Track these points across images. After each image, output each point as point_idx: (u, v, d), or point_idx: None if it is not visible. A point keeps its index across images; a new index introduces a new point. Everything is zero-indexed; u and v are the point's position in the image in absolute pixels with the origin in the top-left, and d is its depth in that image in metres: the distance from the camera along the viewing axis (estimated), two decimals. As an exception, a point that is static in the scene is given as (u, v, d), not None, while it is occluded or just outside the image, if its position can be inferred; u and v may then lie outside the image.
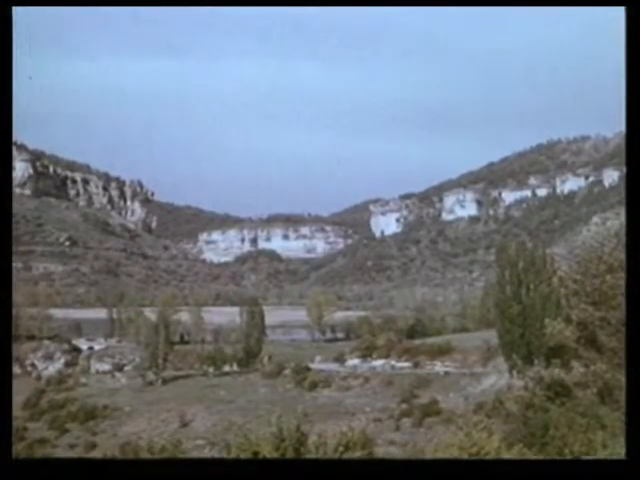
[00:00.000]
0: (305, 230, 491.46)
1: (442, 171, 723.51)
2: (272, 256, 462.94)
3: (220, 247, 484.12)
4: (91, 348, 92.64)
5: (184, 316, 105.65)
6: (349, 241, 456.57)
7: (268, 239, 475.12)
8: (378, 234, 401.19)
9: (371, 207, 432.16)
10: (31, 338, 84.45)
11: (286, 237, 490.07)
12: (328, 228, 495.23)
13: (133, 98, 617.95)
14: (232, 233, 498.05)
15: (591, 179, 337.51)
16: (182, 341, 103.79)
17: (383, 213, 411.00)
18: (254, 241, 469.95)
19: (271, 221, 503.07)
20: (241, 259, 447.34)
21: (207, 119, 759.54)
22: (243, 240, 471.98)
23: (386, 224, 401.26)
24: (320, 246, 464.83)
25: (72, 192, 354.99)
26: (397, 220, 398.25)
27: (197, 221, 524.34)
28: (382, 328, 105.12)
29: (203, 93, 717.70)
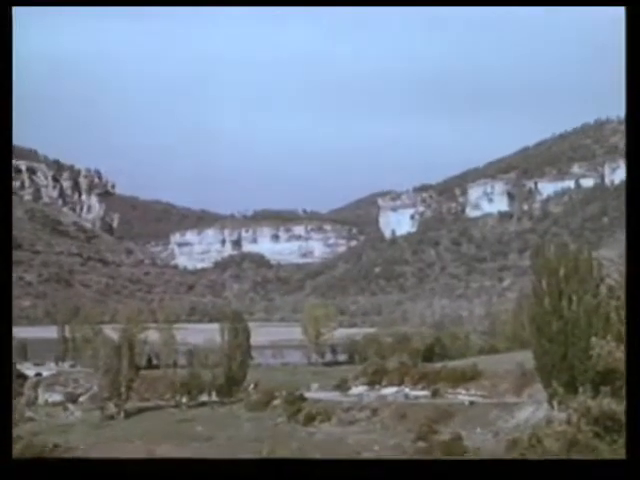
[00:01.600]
0: (299, 229, 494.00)
1: (466, 158, 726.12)
2: (259, 261, 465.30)
3: (196, 250, 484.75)
4: (39, 374, 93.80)
5: (152, 335, 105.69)
6: (353, 243, 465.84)
7: (254, 240, 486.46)
8: (388, 234, 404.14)
9: (380, 202, 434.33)
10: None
11: (276, 238, 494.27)
12: (327, 227, 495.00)
13: (86, 68, 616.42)
14: (210, 233, 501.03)
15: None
16: (150, 365, 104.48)
17: (394, 209, 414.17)
18: (237, 243, 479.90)
19: (258, 218, 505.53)
20: (221, 265, 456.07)
21: (181, 97, 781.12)
22: (224, 242, 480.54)
23: (398, 222, 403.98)
24: (317, 249, 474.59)
25: (16, 184, 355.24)
26: (411, 217, 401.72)
27: (168, 219, 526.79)
28: (393, 348, 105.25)
29: (178, 69, 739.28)
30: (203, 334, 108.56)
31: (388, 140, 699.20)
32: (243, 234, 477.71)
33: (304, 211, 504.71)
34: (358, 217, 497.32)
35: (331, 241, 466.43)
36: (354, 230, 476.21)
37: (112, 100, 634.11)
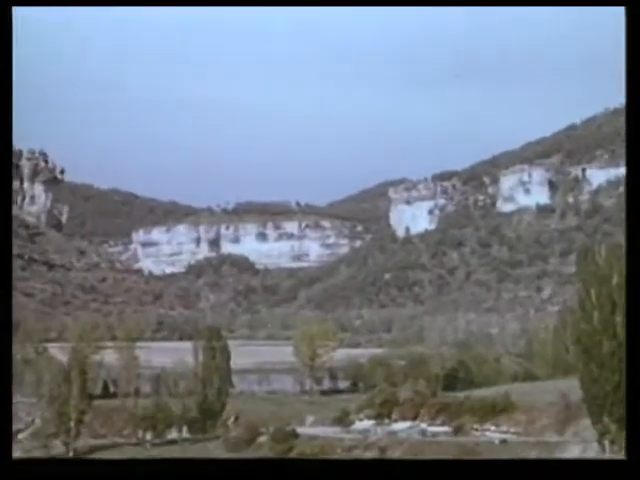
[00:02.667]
0: (291, 226, 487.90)
1: (497, 138, 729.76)
2: (242, 265, 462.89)
3: (164, 251, 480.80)
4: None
5: (109, 356, 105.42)
6: (357, 243, 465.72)
7: (236, 239, 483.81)
8: (401, 232, 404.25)
9: (391, 193, 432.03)
10: None
11: (263, 237, 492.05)
12: (326, 224, 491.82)
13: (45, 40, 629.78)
14: (182, 230, 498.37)
15: None
16: (106, 393, 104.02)
17: (409, 201, 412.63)
18: (215, 242, 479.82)
19: (240, 213, 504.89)
20: (195, 269, 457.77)
21: (144, 66, 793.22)
22: (198, 241, 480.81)
23: (413, 218, 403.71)
24: (314, 250, 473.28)
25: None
26: (430, 212, 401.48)
27: (129, 213, 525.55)
28: (407, 374, 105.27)
29: (147, 41, 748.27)
30: (172, 355, 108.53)
31: (400, 118, 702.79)
32: (222, 232, 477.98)
33: (297, 204, 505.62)
34: (364, 211, 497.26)
35: (330, 241, 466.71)
36: (359, 227, 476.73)
37: (63, 73, 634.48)
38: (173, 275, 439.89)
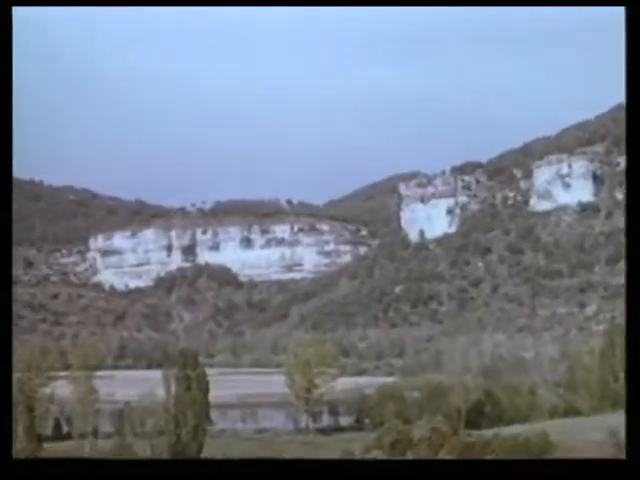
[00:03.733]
0: (282, 230, 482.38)
1: (530, 122, 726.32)
2: (222, 277, 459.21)
3: (128, 261, 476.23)
4: None
5: (62, 388, 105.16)
6: (361, 249, 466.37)
7: (215, 246, 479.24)
8: (414, 237, 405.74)
9: (401, 189, 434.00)
10: None
11: (247, 243, 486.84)
12: (323, 227, 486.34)
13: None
14: (150, 236, 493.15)
15: None
16: (58, 434, 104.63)
17: (423, 199, 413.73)
18: (190, 250, 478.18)
19: (220, 214, 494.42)
20: (166, 283, 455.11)
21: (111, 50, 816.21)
22: (170, 248, 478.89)
23: (428, 219, 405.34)
24: (309, 258, 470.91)
25: None
26: (448, 211, 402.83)
27: (86, 215, 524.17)
28: (422, 408, 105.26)
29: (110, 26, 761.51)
30: (138, 386, 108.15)
31: (412, 99, 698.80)
32: (199, 237, 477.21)
33: (289, 203, 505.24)
34: (369, 212, 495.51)
35: (329, 247, 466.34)
36: (363, 231, 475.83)
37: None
38: (139, 290, 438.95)
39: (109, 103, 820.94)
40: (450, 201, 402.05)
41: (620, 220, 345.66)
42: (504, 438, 76.90)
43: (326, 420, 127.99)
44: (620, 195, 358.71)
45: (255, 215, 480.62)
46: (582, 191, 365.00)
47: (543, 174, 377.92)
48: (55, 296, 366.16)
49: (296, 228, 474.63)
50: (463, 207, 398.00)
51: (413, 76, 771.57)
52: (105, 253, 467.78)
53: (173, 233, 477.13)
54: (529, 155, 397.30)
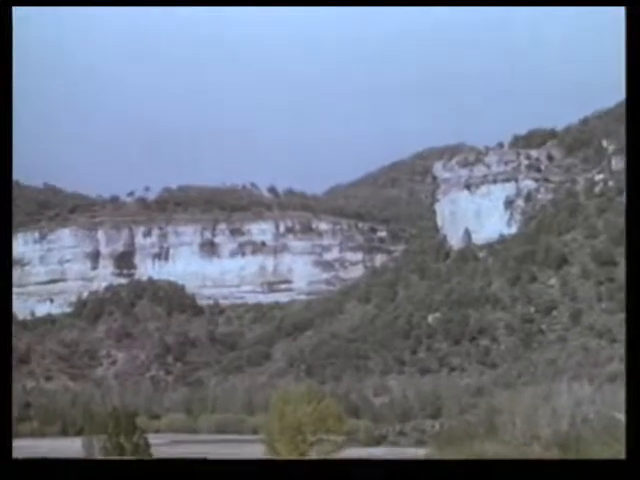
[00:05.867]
0: (261, 230, 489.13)
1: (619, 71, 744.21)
2: (172, 298, 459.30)
3: (34, 277, 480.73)
4: None
5: None
6: (378, 259, 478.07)
7: (162, 254, 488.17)
8: (456, 240, 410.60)
9: (437, 170, 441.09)
10: None
11: (211, 248, 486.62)
12: (323, 226, 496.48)
13: None
14: (66, 239, 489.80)
15: None
16: None
17: (469, 185, 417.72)
18: (125, 259, 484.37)
19: (171, 206, 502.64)
20: (91, 308, 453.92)
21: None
22: (96, 256, 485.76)
23: (477, 215, 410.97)
24: (301, 272, 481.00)
25: None
26: (508, 203, 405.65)
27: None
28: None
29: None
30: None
31: (447, 40, 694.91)
32: (139, 240, 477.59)
33: (272, 191, 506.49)
34: (389, 204, 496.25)
35: (331, 255, 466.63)
36: (381, 232, 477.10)
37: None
38: (51, 319, 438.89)
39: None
40: (510, 187, 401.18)
41: None
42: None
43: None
44: None
45: (222, 208, 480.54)
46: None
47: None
48: None
49: (283, 228, 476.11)
50: (529, 196, 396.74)
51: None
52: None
53: (101, 235, 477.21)
54: (620, 120, 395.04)
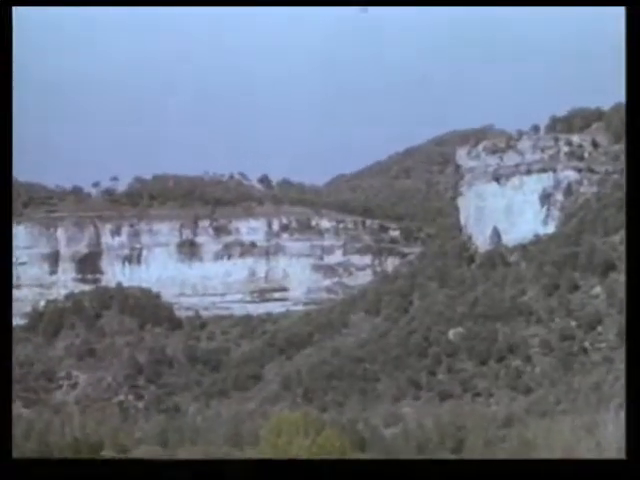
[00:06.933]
0: (251, 228, 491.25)
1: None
2: (145, 309, 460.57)
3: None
4: None
5: None
6: (389, 263, 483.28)
7: (134, 256, 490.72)
8: (482, 241, 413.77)
9: (460, 157, 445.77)
10: None
11: (191, 250, 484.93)
12: (324, 223, 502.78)
13: None
14: (20, 238, 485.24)
15: None
16: None
17: (499, 175, 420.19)
18: (89, 262, 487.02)
19: (144, 199, 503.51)
20: (48, 320, 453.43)
21: None
22: (55, 258, 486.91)
23: (508, 211, 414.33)
24: (299, 278, 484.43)
25: None
26: (544, 197, 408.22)
27: None
28: None
29: None
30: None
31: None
32: (107, 240, 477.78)
33: (264, 181, 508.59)
34: (403, 197, 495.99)
35: (334, 258, 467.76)
36: (392, 231, 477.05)
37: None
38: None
39: None
40: (547, 179, 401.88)
41: None
42: None
43: None
44: None
45: (204, 202, 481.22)
46: None
47: None
48: None
49: (276, 225, 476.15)
50: (569, 190, 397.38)
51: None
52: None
53: (61, 233, 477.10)
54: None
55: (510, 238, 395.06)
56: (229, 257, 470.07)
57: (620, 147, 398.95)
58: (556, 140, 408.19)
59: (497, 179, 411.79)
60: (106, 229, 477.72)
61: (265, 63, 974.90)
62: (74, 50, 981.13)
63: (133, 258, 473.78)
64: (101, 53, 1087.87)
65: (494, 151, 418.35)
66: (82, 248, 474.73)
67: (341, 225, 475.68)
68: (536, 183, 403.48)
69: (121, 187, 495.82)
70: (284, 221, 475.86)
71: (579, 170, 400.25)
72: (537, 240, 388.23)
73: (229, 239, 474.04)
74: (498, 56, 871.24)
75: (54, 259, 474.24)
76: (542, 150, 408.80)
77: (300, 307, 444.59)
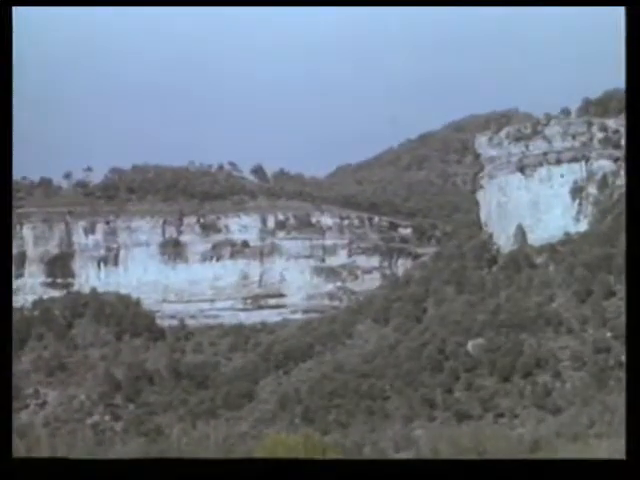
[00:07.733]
0: (243, 226, 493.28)
1: None
2: (123, 317, 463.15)
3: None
4: None
5: None
6: (400, 265, 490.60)
7: (110, 257, 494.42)
8: (505, 240, 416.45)
9: (480, 145, 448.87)
10: None
11: (175, 250, 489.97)
12: (326, 220, 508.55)
13: None
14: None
15: None
16: None
17: (523, 166, 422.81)
18: (60, 264, 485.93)
19: (121, 193, 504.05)
20: (19, 327, 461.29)
21: None
22: (20, 262, 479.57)
23: (534, 205, 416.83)
24: (297, 282, 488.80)
25: None
26: (575, 191, 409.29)
27: None
28: None
29: None
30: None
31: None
32: (80, 239, 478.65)
33: (257, 172, 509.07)
34: (415, 190, 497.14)
35: (337, 260, 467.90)
36: (403, 228, 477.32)
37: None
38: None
39: None
40: (578, 169, 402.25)
41: None
42: None
43: None
44: None
45: (190, 196, 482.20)
46: None
47: None
48: None
49: (272, 222, 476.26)
50: (604, 182, 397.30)
51: None
52: None
53: (27, 231, 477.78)
54: None
55: (537, 237, 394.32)
56: (218, 258, 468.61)
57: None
58: (589, 125, 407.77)
59: (522, 170, 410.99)
60: (79, 226, 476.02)
61: (262, 42, 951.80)
62: (74, 50, 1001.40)
63: (109, 259, 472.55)
64: (101, 52, 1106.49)
65: (518, 138, 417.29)
66: (52, 248, 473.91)
67: (345, 222, 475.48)
68: (566, 174, 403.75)
69: (96, 179, 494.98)
70: (280, 217, 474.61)
71: (615, 159, 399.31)
72: (567, 239, 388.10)
73: (218, 238, 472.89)
74: (524, 38, 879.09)
75: (20, 261, 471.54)
76: (573, 137, 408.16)
77: (299, 315, 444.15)
